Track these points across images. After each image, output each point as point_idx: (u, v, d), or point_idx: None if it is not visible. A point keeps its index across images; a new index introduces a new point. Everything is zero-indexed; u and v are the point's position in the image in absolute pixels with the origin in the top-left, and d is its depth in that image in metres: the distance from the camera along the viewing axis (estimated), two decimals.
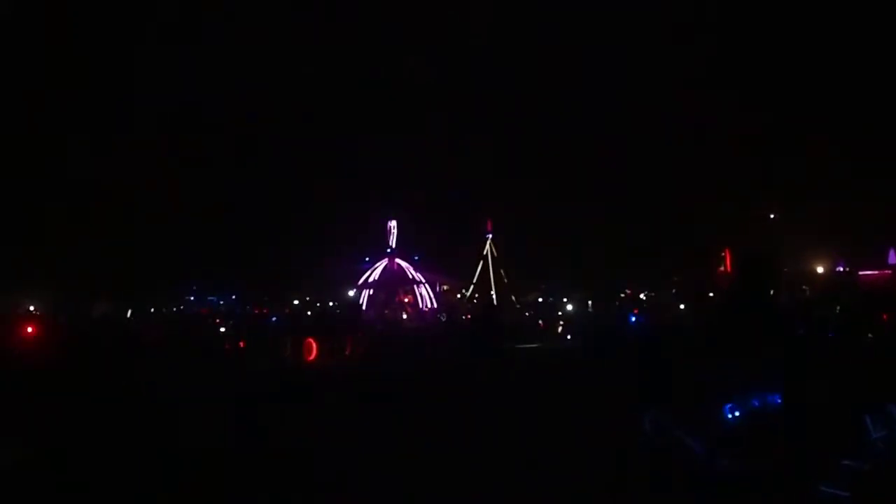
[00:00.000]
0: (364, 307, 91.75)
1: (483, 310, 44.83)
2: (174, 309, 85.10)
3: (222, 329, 46.11)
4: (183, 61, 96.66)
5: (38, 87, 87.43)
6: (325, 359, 33.22)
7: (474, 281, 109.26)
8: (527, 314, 76.39)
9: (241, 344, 36.68)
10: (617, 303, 75.34)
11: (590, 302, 78.31)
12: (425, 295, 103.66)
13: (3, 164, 78.25)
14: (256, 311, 73.30)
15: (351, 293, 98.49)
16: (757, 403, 10.13)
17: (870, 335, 21.10)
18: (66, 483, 12.04)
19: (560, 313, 69.38)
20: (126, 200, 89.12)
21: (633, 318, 48.50)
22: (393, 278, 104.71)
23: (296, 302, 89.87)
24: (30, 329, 34.77)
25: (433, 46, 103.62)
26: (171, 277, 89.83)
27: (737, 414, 10.17)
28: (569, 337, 47.49)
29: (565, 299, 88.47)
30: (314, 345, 33.93)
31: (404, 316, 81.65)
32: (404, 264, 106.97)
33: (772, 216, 72.68)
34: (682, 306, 58.74)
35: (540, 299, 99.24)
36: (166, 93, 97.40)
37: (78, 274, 77.12)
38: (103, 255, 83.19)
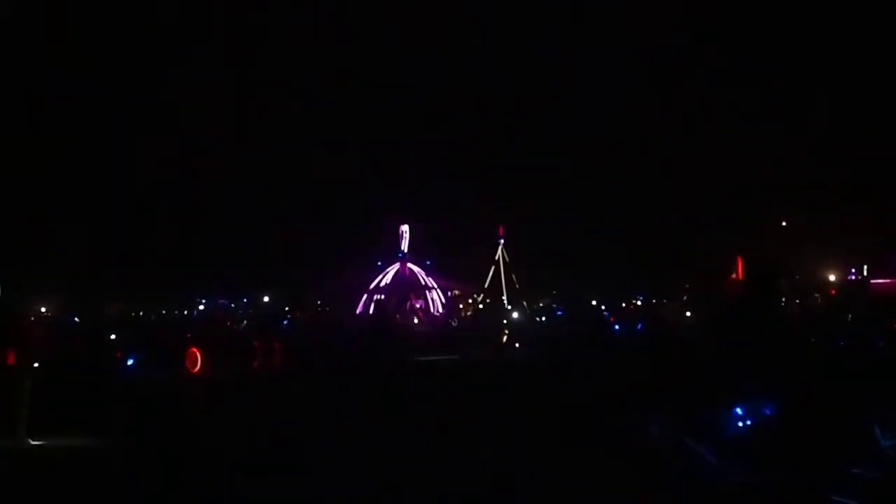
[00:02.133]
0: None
1: (377, 316, 40.10)
2: (185, 312, 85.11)
3: (112, 336, 39.54)
4: (191, 58, 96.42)
5: (43, 84, 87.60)
6: (216, 370, 30.09)
7: (486, 286, 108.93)
8: (453, 322, 72.79)
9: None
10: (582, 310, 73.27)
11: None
12: (436, 300, 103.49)
13: (15, 165, 78.39)
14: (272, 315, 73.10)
15: (266, 298, 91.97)
16: (768, 411, 10.15)
17: (881, 344, 21.03)
18: None
19: (505, 321, 63.67)
20: (137, 202, 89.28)
21: (617, 327, 47.69)
22: (404, 283, 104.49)
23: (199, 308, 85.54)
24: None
25: (439, 47, 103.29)
26: (182, 279, 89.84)
27: (748, 422, 10.19)
28: (517, 346, 43.77)
29: (510, 306, 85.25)
30: (199, 355, 30.63)
31: (415, 321, 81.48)
32: (416, 269, 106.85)
33: (784, 223, 72.31)
34: (688, 314, 57.73)
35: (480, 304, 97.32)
36: (175, 89, 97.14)
37: (89, 276, 77.27)
38: (115, 258, 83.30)
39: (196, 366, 30.19)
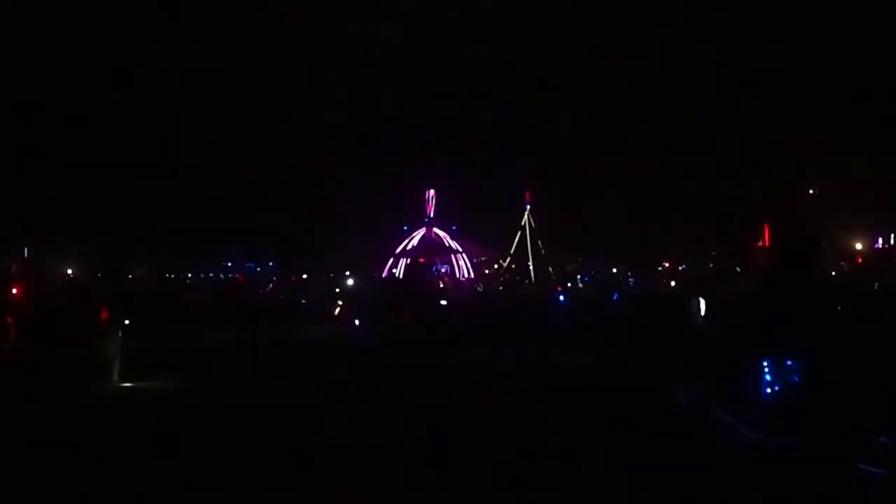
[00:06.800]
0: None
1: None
2: (210, 274, 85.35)
3: None
4: (221, 21, 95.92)
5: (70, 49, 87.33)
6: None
7: (511, 252, 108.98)
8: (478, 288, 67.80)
9: None
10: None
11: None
12: (462, 265, 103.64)
13: (41, 128, 78.38)
14: (294, 278, 73.35)
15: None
16: (796, 378, 10.20)
17: None
18: None
19: (338, 290, 53.53)
20: (165, 165, 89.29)
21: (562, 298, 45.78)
22: (430, 247, 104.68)
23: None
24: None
25: (479, 19, 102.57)
26: (209, 242, 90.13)
27: (776, 388, 10.25)
28: (357, 322, 36.35)
29: (348, 272, 76.37)
30: (11, 327, 23.54)
31: (441, 285, 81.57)
32: (442, 233, 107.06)
33: (811, 191, 71.80)
34: (672, 283, 55.07)
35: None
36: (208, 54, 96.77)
37: (119, 238, 77.57)
38: (142, 220, 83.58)
39: (6, 341, 23.44)
